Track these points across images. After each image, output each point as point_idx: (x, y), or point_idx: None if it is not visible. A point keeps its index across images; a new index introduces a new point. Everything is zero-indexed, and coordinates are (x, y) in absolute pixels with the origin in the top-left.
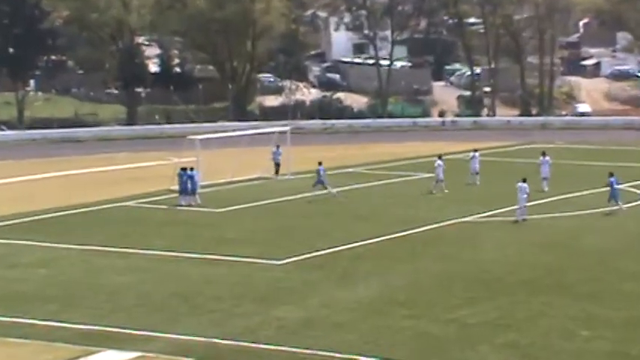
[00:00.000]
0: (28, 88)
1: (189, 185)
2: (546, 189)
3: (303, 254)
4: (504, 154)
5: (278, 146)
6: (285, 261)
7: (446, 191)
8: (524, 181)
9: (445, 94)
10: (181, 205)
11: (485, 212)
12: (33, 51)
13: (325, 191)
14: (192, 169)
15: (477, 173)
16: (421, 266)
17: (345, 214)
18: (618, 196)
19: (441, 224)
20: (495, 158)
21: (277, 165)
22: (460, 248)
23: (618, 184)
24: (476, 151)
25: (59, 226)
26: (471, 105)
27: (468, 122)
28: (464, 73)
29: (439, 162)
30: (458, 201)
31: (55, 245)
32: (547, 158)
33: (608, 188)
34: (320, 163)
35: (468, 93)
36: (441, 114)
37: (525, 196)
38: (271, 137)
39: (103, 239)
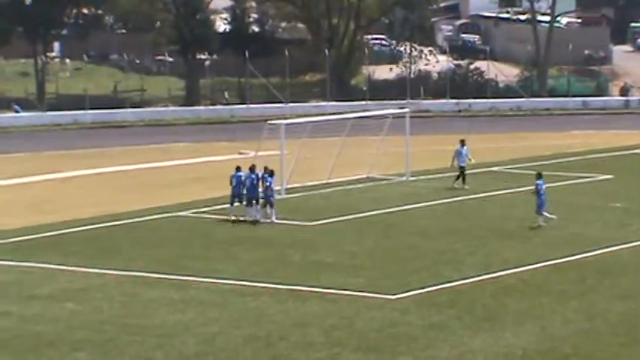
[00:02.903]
0: (52, 54)
1: (258, 192)
2: None
3: (427, 287)
4: None
5: (463, 142)
6: (400, 295)
7: None
8: None
9: (631, 63)
10: (234, 220)
11: None
12: (58, 4)
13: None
14: (269, 172)
15: None
16: (595, 305)
17: (485, 230)
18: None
19: (624, 246)
20: None
21: (461, 168)
22: None
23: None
24: None
25: (91, 243)
26: None
27: None
28: None
29: None
30: None
31: (86, 270)
32: None
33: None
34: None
35: None
36: (625, 91)
37: None
38: (383, 122)
39: (151, 263)
